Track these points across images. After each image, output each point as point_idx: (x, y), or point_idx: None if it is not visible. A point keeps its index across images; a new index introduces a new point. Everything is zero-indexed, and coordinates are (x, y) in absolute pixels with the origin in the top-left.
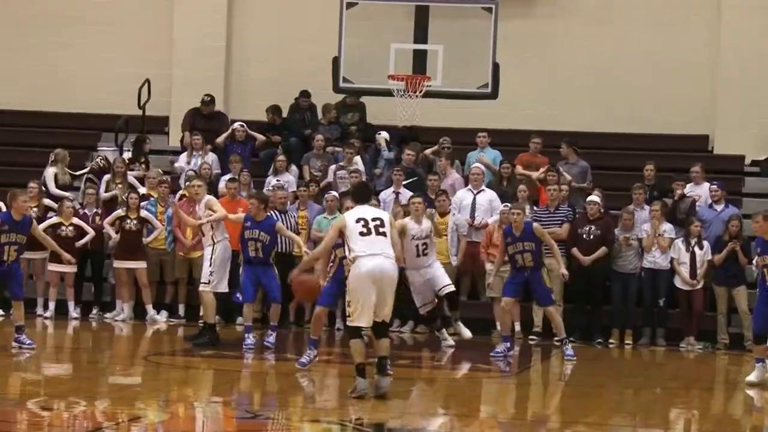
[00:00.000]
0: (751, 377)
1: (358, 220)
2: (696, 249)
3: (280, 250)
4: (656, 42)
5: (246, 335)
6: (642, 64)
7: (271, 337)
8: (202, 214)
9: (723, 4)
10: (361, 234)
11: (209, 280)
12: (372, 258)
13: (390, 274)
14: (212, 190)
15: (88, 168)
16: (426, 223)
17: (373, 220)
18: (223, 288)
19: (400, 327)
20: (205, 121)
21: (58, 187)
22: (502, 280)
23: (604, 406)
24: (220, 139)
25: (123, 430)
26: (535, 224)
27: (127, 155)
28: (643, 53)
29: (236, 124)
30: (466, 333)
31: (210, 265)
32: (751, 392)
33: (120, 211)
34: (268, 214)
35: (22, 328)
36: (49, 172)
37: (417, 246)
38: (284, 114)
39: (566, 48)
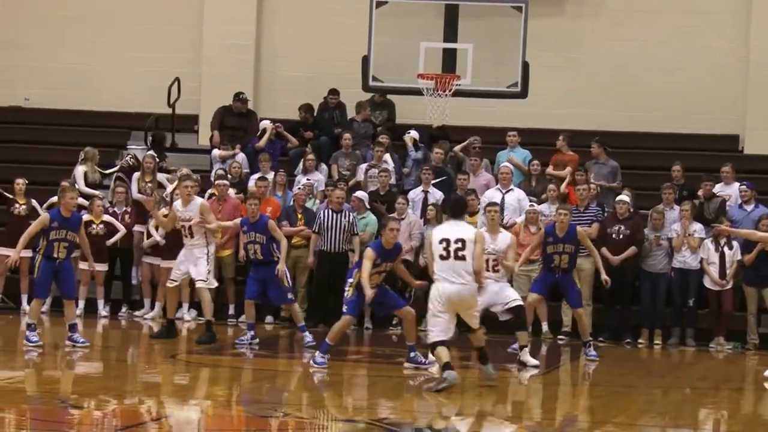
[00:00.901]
0: None
1: (441, 241)
2: (725, 249)
3: (325, 249)
4: (686, 41)
5: (247, 332)
6: (671, 63)
7: (308, 337)
8: (191, 215)
9: (753, 4)
10: (441, 257)
11: (207, 278)
12: (450, 285)
13: (466, 300)
14: (242, 188)
15: (118, 166)
16: (504, 238)
17: (456, 242)
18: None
19: (426, 327)
20: (236, 118)
21: (87, 185)
22: (529, 279)
23: (633, 406)
24: (261, 143)
25: (152, 429)
26: (579, 228)
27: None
28: (673, 52)
29: (267, 122)
30: (532, 361)
31: (207, 263)
32: None
33: (164, 210)
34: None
35: (75, 326)
36: (79, 170)
37: (487, 261)
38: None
39: (596, 47)
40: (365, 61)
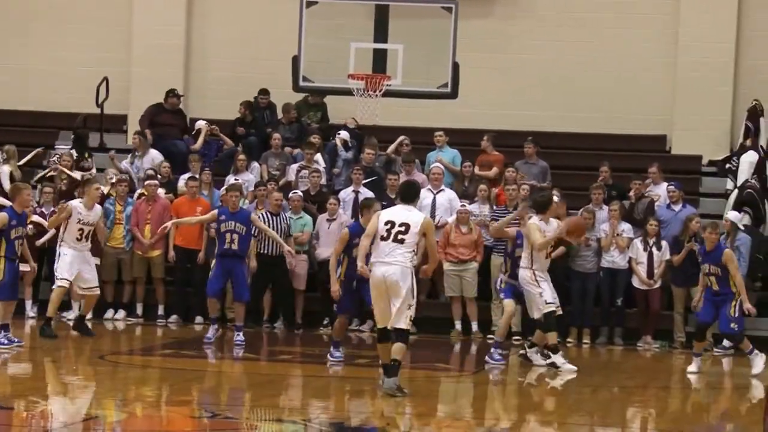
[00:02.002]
0: (693, 368)
1: (386, 222)
2: (654, 249)
3: (264, 252)
4: (614, 42)
5: (210, 328)
6: (600, 64)
7: (240, 337)
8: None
9: (682, 7)
10: (381, 238)
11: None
12: (380, 266)
13: (393, 282)
14: (171, 188)
15: (48, 169)
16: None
17: (401, 225)
18: None
19: (359, 326)
20: (168, 116)
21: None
22: (460, 279)
23: (562, 405)
24: (197, 145)
25: (79, 430)
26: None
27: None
28: (602, 54)
29: (202, 123)
30: (566, 366)
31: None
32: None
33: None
34: (242, 206)
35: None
36: (4, 170)
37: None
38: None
39: (525, 48)
40: (295, 61)
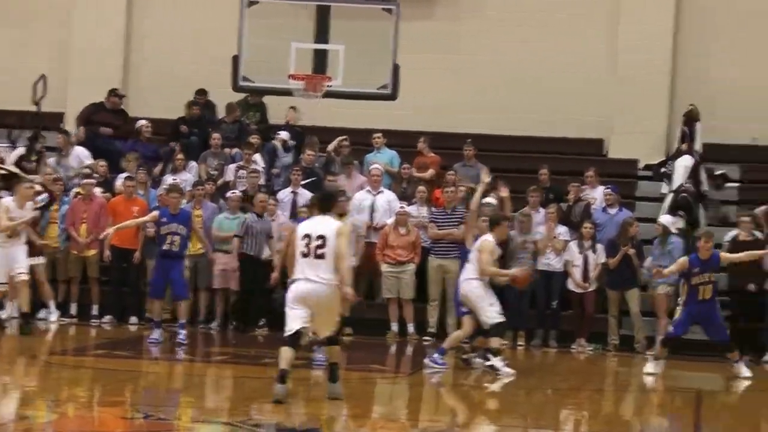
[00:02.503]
0: (650, 368)
1: (304, 237)
2: (589, 252)
3: (248, 252)
4: (554, 47)
5: (155, 329)
6: (539, 68)
7: (182, 335)
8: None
9: (621, 13)
10: (302, 254)
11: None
12: (306, 283)
13: (323, 299)
14: (108, 187)
15: None
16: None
17: (317, 237)
18: None
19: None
20: (108, 114)
21: None
22: (398, 280)
23: (497, 406)
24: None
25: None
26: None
27: (20, 151)
28: (541, 58)
29: (142, 122)
30: (505, 370)
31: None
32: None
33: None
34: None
35: None
36: None
37: None
38: (182, 113)
39: (465, 50)
40: (235, 61)
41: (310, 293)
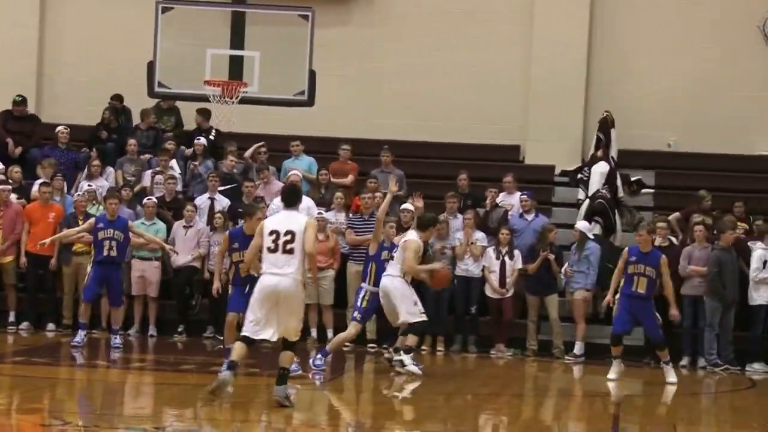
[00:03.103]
0: (611, 374)
1: (271, 233)
2: (506, 258)
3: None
4: (470, 53)
5: (79, 332)
6: (457, 74)
7: (118, 340)
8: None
9: (535, 19)
10: (269, 249)
11: None
12: (272, 277)
13: (288, 294)
14: (23, 193)
15: None
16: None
17: (286, 233)
18: None
19: (214, 333)
20: (18, 122)
21: None
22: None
23: (416, 412)
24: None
25: None
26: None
27: None
28: (458, 64)
29: (59, 128)
30: (412, 368)
31: None
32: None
33: None
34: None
35: None
36: None
37: None
38: (98, 118)
39: (382, 57)
40: (150, 66)
41: (277, 286)
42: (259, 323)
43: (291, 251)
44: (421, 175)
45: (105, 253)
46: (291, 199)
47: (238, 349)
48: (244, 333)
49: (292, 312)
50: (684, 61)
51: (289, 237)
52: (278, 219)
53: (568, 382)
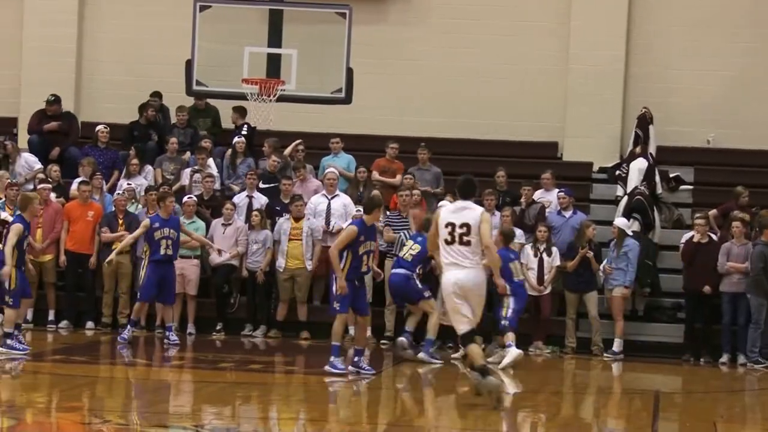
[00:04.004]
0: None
1: (447, 225)
2: (544, 255)
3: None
4: (508, 49)
5: (128, 328)
6: (494, 70)
7: (174, 337)
8: None
9: (572, 15)
10: (446, 242)
11: None
12: (455, 269)
13: (471, 285)
14: (61, 192)
15: None
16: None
17: (461, 226)
18: None
19: (252, 331)
20: (52, 121)
21: None
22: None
23: (451, 408)
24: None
25: None
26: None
27: None
28: (496, 61)
29: (99, 127)
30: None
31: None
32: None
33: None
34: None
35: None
36: None
37: None
38: (135, 117)
39: (420, 54)
40: (188, 65)
41: (460, 279)
42: (466, 314)
43: (468, 243)
44: (458, 173)
45: (162, 252)
46: (468, 190)
47: (476, 351)
48: (464, 332)
49: (478, 299)
50: (722, 57)
51: (465, 229)
52: (452, 211)
53: (607, 380)
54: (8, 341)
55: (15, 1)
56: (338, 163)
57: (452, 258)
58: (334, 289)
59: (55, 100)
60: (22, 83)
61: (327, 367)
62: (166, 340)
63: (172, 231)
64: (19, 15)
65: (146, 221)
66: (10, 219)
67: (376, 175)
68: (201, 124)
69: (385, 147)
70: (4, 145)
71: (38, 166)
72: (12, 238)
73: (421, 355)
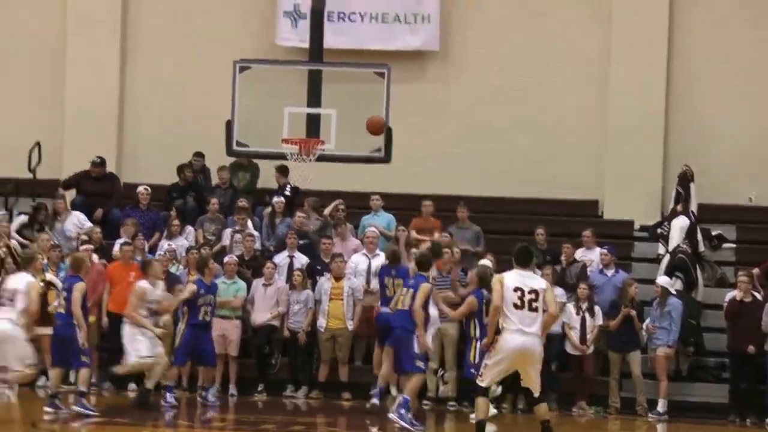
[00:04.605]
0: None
1: (516, 289)
2: (586, 314)
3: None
4: (547, 108)
5: (167, 394)
6: (533, 129)
7: (211, 397)
8: None
9: (612, 70)
10: (515, 306)
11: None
12: (521, 335)
13: (534, 352)
14: (105, 254)
15: None
16: None
17: (530, 292)
18: None
19: (293, 392)
20: (95, 183)
21: None
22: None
23: None
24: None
25: None
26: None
27: (22, 219)
28: (534, 119)
29: (140, 188)
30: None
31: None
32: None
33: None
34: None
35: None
36: None
37: None
38: (176, 178)
39: (458, 111)
40: (228, 126)
41: (525, 344)
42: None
43: (536, 309)
44: (497, 231)
45: (200, 317)
46: (526, 258)
47: (482, 406)
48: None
49: (537, 366)
50: (764, 113)
51: (533, 296)
52: (519, 276)
53: None
54: (83, 401)
55: (57, 63)
56: (378, 221)
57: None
58: (416, 347)
59: (101, 162)
60: (65, 144)
61: (393, 416)
62: (203, 401)
63: (212, 298)
64: (61, 77)
65: (193, 287)
66: (56, 280)
67: (414, 234)
68: (241, 177)
69: (421, 205)
70: (55, 202)
71: (88, 224)
72: (79, 298)
73: (392, 415)
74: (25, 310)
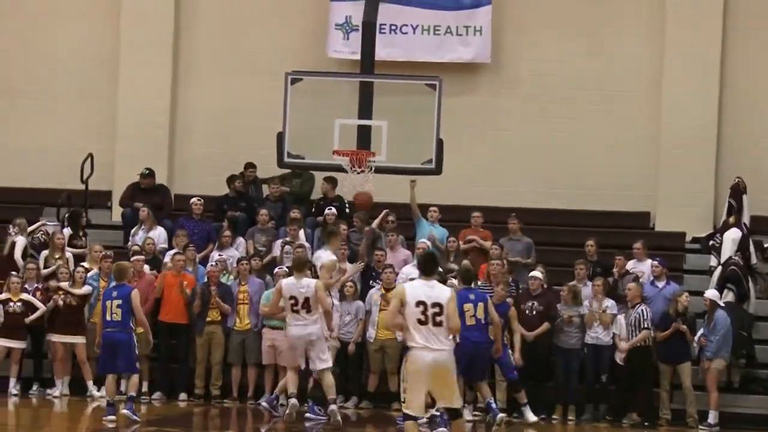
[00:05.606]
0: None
1: (418, 304)
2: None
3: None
4: (598, 119)
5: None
6: (584, 141)
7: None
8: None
9: (664, 82)
10: (420, 322)
11: None
12: (429, 352)
13: (445, 367)
14: (156, 264)
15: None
16: None
17: (433, 305)
18: None
19: (343, 402)
20: (145, 195)
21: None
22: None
23: None
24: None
25: None
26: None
27: (67, 231)
28: (586, 131)
29: (193, 200)
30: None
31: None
32: None
33: (65, 284)
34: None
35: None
36: (20, 242)
37: None
38: (226, 189)
39: (510, 123)
40: (280, 137)
41: (435, 362)
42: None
43: (440, 324)
44: (548, 243)
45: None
46: (431, 267)
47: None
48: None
49: (450, 382)
50: None
51: (437, 309)
52: (421, 288)
53: None
54: (134, 406)
55: (110, 75)
56: (435, 233)
57: None
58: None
59: (150, 174)
60: (116, 156)
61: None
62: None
63: None
64: (114, 89)
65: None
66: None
67: (461, 244)
68: (295, 185)
69: (470, 217)
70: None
71: (165, 245)
72: (139, 305)
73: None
74: None
